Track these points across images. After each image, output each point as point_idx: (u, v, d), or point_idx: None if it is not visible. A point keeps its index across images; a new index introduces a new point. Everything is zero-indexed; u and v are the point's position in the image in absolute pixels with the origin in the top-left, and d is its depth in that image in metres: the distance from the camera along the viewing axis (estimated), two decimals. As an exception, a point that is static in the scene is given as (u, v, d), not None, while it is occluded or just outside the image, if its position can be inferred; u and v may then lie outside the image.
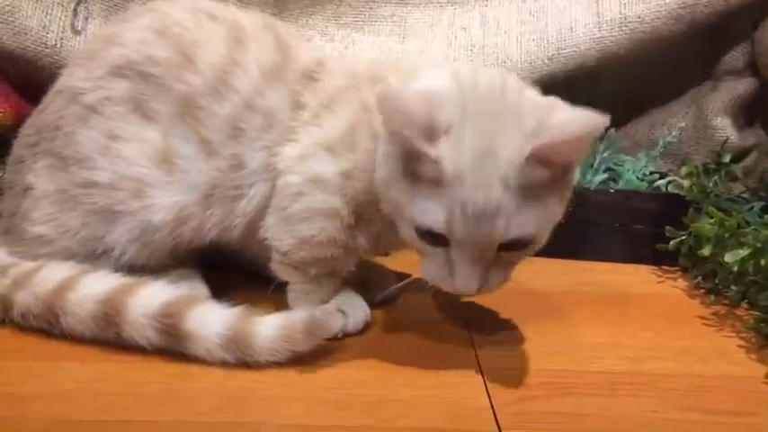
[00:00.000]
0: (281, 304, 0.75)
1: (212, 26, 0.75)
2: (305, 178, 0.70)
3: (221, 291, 0.75)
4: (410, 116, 0.58)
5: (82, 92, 0.74)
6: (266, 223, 0.73)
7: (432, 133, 0.58)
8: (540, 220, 0.61)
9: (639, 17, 1.05)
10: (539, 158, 0.58)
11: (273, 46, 0.74)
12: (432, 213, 0.60)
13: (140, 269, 0.74)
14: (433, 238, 0.62)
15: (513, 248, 0.62)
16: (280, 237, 0.72)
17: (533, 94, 0.66)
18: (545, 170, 0.59)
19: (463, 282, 0.62)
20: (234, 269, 0.84)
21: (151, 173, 0.72)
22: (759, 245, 0.81)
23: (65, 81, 0.77)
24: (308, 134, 0.71)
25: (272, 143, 0.72)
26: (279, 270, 0.75)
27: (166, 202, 0.72)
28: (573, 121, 0.59)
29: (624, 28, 1.05)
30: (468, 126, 0.59)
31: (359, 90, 0.71)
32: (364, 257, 0.77)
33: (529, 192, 0.59)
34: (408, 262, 0.75)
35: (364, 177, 0.68)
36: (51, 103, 0.77)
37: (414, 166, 0.60)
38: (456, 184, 0.58)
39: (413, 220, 0.62)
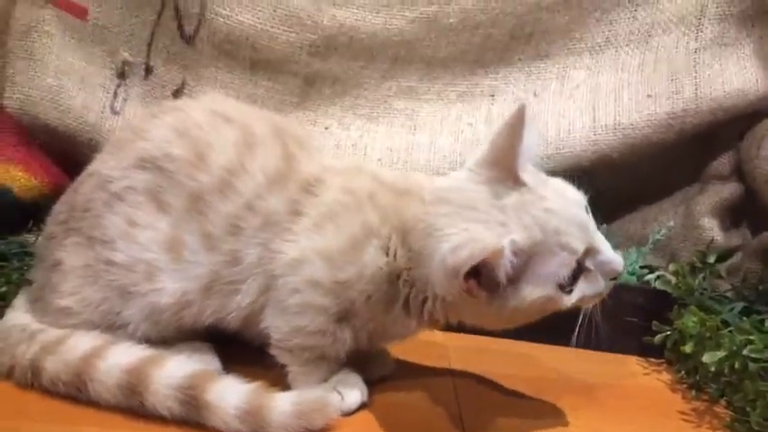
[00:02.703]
0: (281, 378, 0.80)
1: (227, 129, 0.82)
2: (302, 279, 0.76)
3: (227, 363, 0.82)
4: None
5: (110, 180, 0.81)
6: (265, 314, 0.79)
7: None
8: None
9: (632, 124, 1.13)
10: None
11: (280, 155, 0.81)
12: (556, 265, 0.71)
13: (153, 342, 0.79)
14: (574, 276, 0.72)
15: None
16: (276, 325, 0.79)
17: None
18: None
19: (615, 257, 0.74)
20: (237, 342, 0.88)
21: (161, 259, 0.78)
22: (735, 348, 0.87)
23: (97, 166, 0.84)
24: (308, 239, 0.77)
25: (267, 240, 0.78)
26: (277, 354, 0.81)
27: (172, 287, 0.78)
28: None
29: (618, 133, 1.14)
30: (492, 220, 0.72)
31: (361, 211, 0.78)
32: (353, 348, 0.81)
33: (535, 175, 0.75)
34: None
35: (367, 289, 0.76)
36: (83, 185, 0.84)
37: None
38: (542, 232, 0.70)
39: (555, 286, 0.71)
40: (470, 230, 0.70)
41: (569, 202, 0.74)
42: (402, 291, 0.77)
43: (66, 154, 1.11)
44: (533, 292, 0.71)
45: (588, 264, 0.73)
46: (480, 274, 0.68)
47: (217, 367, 0.82)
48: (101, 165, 0.84)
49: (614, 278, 0.75)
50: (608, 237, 1.13)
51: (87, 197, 0.82)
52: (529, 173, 0.75)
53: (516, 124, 0.73)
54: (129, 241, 0.79)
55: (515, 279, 0.70)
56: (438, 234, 0.72)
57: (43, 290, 0.83)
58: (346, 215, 0.78)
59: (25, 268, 0.95)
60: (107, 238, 0.79)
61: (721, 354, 0.88)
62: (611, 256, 0.74)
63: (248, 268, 0.78)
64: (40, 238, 0.92)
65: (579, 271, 0.73)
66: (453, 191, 0.77)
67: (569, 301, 0.73)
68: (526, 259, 0.70)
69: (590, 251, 0.73)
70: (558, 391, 0.91)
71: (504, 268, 0.68)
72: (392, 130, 1.21)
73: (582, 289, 0.73)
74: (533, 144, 0.76)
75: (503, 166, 0.74)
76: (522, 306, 0.71)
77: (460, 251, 0.67)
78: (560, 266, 0.71)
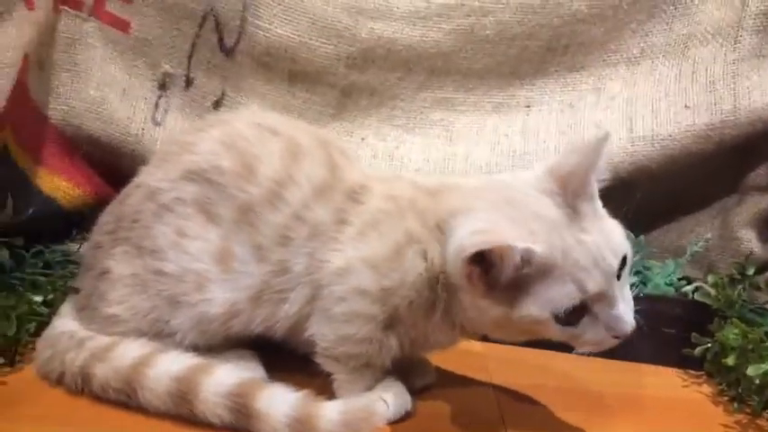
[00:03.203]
0: (325, 387, 0.81)
1: (273, 141, 0.83)
2: (349, 288, 0.77)
3: (271, 371, 0.83)
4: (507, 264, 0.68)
5: (159, 191, 0.82)
6: (312, 322, 0.80)
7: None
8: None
9: (670, 135, 1.13)
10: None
11: (325, 164, 0.82)
12: (559, 294, 0.69)
13: (200, 350, 0.81)
14: (573, 314, 0.70)
15: (623, 263, 0.72)
16: (322, 333, 0.80)
17: None
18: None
19: (628, 318, 0.72)
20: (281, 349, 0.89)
21: (211, 269, 0.80)
22: (780, 360, 0.87)
23: (145, 178, 0.86)
24: (354, 248, 0.78)
25: (314, 250, 0.79)
26: (322, 362, 0.81)
27: (221, 297, 0.79)
28: None
29: (656, 144, 1.13)
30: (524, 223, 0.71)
31: (403, 218, 0.78)
32: (398, 355, 0.82)
33: (590, 206, 0.74)
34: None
35: (409, 295, 0.76)
36: (131, 197, 0.85)
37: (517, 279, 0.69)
38: (562, 257, 0.69)
39: (550, 313, 0.70)
40: (498, 223, 0.72)
41: (607, 244, 0.71)
42: (440, 296, 0.77)
43: (109, 164, 1.13)
44: (527, 309, 0.70)
45: (597, 309, 0.71)
46: (487, 267, 0.69)
47: (262, 375, 0.83)
48: (148, 177, 0.85)
49: (617, 337, 0.72)
50: (644, 247, 1.16)
51: (135, 208, 0.83)
52: (588, 201, 0.74)
53: (594, 149, 0.73)
54: (179, 251, 0.80)
55: (517, 287, 0.70)
56: (470, 215, 0.73)
57: (90, 298, 0.85)
58: (389, 222, 0.79)
59: (69, 276, 0.97)
60: (156, 248, 0.81)
61: (766, 366, 0.87)
62: (624, 314, 0.72)
63: (296, 277, 0.79)
64: (85, 247, 0.94)
65: (583, 311, 0.71)
66: (506, 185, 0.78)
67: (560, 333, 0.72)
68: (535, 275, 0.69)
69: (603, 298, 0.71)
70: (599, 403, 0.91)
71: (507, 269, 0.68)
72: (428, 141, 1.22)
73: (579, 330, 0.72)
74: (601, 173, 0.76)
75: (564, 183, 0.74)
76: (513, 317, 0.71)
77: (477, 235, 0.69)
78: (563, 297, 0.70)
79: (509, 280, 0.69)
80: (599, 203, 0.76)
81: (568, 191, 0.73)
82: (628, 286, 0.75)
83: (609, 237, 0.73)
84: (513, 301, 0.70)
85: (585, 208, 0.73)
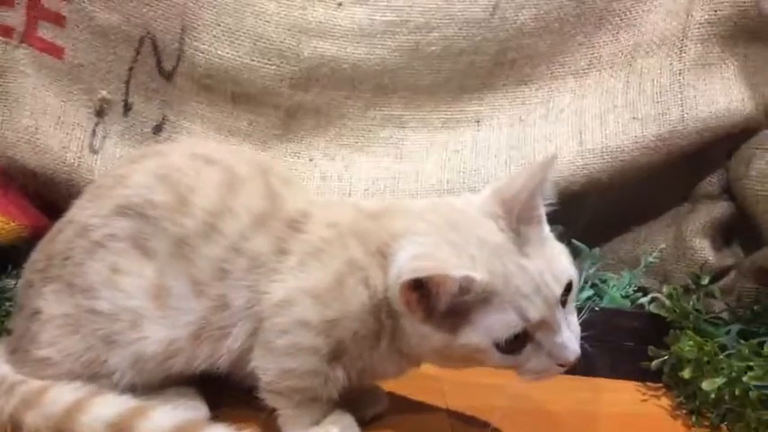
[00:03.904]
0: (272, 421, 0.78)
1: (208, 171, 0.80)
2: (290, 320, 0.74)
3: (214, 406, 0.80)
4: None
5: (90, 227, 0.79)
6: (253, 355, 0.77)
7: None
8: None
9: (619, 147, 1.13)
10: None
11: (263, 194, 0.79)
12: (500, 322, 0.67)
13: (139, 390, 0.77)
14: (516, 342, 0.68)
15: (567, 290, 0.70)
16: (265, 367, 0.76)
17: None
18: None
19: (572, 346, 0.70)
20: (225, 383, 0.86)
21: (146, 306, 0.76)
22: (734, 374, 0.86)
23: (76, 214, 0.82)
24: (295, 278, 0.75)
25: (254, 282, 0.76)
26: (266, 397, 0.78)
27: (158, 335, 0.76)
28: None
29: (606, 157, 1.13)
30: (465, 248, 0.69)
31: (345, 246, 0.76)
32: (346, 386, 0.79)
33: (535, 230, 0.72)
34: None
35: (353, 326, 0.74)
36: (61, 233, 0.82)
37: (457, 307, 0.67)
38: (503, 284, 0.67)
39: (491, 342, 0.68)
40: (438, 248, 0.70)
41: (550, 271, 0.70)
42: (386, 324, 0.74)
43: (45, 195, 1.09)
44: (468, 337, 0.68)
45: (539, 337, 0.69)
46: (425, 293, 0.67)
47: (204, 413, 0.79)
48: (80, 212, 0.82)
49: (562, 365, 0.71)
50: (598, 259, 1.15)
51: (67, 245, 0.80)
52: (533, 225, 0.72)
53: (540, 171, 0.71)
54: (112, 289, 0.76)
55: (458, 315, 0.68)
56: (411, 239, 0.72)
57: (22, 339, 0.81)
58: (330, 251, 0.76)
59: (5, 315, 0.93)
60: (89, 286, 0.77)
61: (720, 381, 0.87)
62: (568, 342, 0.70)
63: (237, 312, 0.76)
64: (18, 286, 0.89)
65: (526, 340, 0.69)
66: (451, 207, 0.77)
67: (503, 361, 0.70)
68: (476, 302, 0.67)
69: (545, 326, 0.69)
70: (557, 423, 0.89)
71: (445, 297, 0.67)
72: (377, 160, 1.20)
73: (522, 359, 0.70)
74: (548, 195, 0.74)
75: (509, 207, 0.71)
76: (454, 345, 0.69)
77: (416, 261, 0.68)
78: (504, 326, 0.68)
79: (448, 306, 0.67)
80: (545, 227, 0.74)
81: (513, 214, 0.71)
82: (574, 313, 0.73)
83: (552, 263, 0.71)
84: (454, 329, 0.68)
85: (530, 232, 0.72)
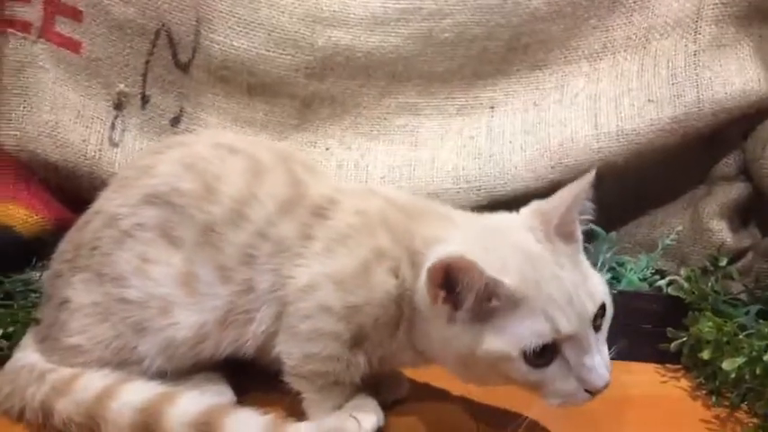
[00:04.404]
0: (297, 404, 0.79)
1: (233, 160, 0.82)
2: (313, 305, 0.75)
3: (241, 390, 0.81)
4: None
5: (118, 217, 0.80)
6: (278, 340, 0.78)
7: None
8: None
9: (635, 130, 1.13)
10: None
11: (288, 181, 0.81)
12: (529, 330, 0.65)
13: (168, 376, 0.79)
14: (543, 354, 0.66)
15: (601, 315, 0.69)
16: (289, 351, 0.78)
17: None
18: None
19: (602, 371, 0.67)
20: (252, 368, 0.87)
21: (175, 293, 0.78)
22: (755, 353, 0.86)
23: (103, 204, 0.84)
24: (319, 263, 0.76)
25: (279, 266, 0.77)
26: (291, 380, 0.79)
27: (188, 321, 0.78)
28: None
29: (621, 140, 1.13)
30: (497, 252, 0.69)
31: (373, 234, 0.77)
32: (367, 372, 0.80)
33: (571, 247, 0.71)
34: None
35: (376, 312, 0.74)
36: (90, 223, 0.83)
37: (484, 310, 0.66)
38: (535, 290, 0.66)
39: (518, 350, 0.65)
40: (471, 250, 0.68)
41: (584, 286, 0.68)
42: (405, 313, 0.75)
43: (67, 188, 1.10)
44: (494, 343, 0.66)
45: (568, 355, 0.66)
46: (452, 286, 0.66)
47: (230, 398, 0.81)
48: (107, 203, 0.83)
49: (589, 391, 0.67)
50: (615, 243, 1.15)
51: (95, 235, 0.81)
52: (569, 241, 0.72)
53: (579, 186, 0.72)
54: (142, 277, 0.78)
55: (484, 320, 0.67)
56: (444, 243, 0.73)
57: (51, 328, 0.82)
58: (358, 238, 0.77)
59: (30, 306, 0.94)
60: (118, 275, 0.79)
61: (741, 360, 0.87)
62: (598, 366, 0.67)
63: (262, 296, 0.77)
64: (45, 276, 0.91)
65: (554, 354, 0.66)
66: (487, 221, 0.78)
67: (528, 375, 0.66)
68: (504, 308, 0.66)
69: (576, 343, 0.66)
70: (578, 407, 0.89)
71: (472, 293, 0.65)
72: (393, 148, 1.21)
73: (549, 375, 0.67)
74: (587, 211, 0.75)
75: (547, 219, 0.71)
76: (478, 351, 0.67)
77: (446, 252, 0.68)
78: (533, 333, 0.65)
79: (474, 307, 0.66)
80: (582, 252, 0.74)
81: (550, 226, 0.71)
82: (606, 345, 0.71)
83: (588, 280, 0.70)
84: (479, 335, 0.67)
85: (566, 249, 0.71)
